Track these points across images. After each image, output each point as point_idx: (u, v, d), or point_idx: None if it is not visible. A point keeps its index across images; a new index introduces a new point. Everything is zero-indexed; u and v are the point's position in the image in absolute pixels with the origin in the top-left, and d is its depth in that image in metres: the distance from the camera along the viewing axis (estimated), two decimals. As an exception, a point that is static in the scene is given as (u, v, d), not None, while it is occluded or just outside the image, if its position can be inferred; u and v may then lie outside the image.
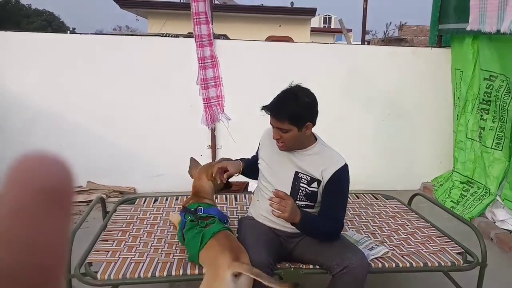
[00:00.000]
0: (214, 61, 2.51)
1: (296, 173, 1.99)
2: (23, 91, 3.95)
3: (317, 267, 1.98)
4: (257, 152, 2.25)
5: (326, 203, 1.97)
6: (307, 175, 1.98)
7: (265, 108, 1.95)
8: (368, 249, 2.14)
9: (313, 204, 2.00)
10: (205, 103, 2.58)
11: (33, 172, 0.26)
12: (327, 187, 1.95)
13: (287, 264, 2.00)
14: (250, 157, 2.33)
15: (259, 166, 2.15)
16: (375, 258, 2.09)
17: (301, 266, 2.00)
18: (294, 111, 1.87)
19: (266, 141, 2.14)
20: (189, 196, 2.33)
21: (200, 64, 2.48)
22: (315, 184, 1.97)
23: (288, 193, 1.91)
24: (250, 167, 2.22)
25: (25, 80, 3.93)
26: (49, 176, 0.26)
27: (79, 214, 3.63)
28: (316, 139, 2.06)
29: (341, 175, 1.95)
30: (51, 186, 0.26)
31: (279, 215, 1.77)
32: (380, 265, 2.05)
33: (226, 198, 2.92)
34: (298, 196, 1.98)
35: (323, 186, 1.96)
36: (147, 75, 4.08)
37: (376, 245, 2.21)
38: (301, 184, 1.97)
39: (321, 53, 4.32)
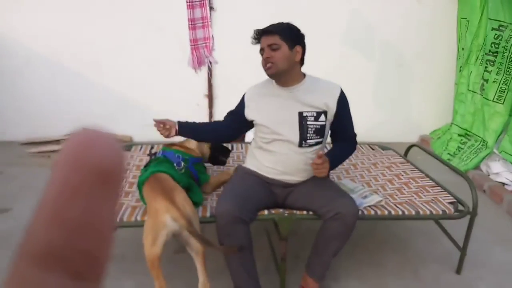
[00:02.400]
0: (203, 0, 2.40)
1: (300, 113, 1.98)
2: (15, 35, 3.84)
3: (310, 213, 2.01)
4: (233, 113, 2.16)
5: (340, 128, 2.07)
6: (312, 111, 1.98)
7: (256, 32, 1.97)
8: (362, 197, 2.17)
9: (322, 139, 2.03)
10: (192, 45, 2.49)
11: (86, 150, 0.24)
12: (337, 114, 2.01)
13: (281, 210, 2.03)
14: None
15: (256, 124, 2.08)
16: (368, 206, 2.12)
17: (295, 212, 2.02)
18: (284, 28, 1.93)
19: (254, 99, 2.09)
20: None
21: (188, 3, 2.38)
22: (322, 117, 1.99)
23: (298, 136, 1.98)
24: (192, 128, 2.10)
25: (16, 24, 3.81)
26: (102, 155, 0.25)
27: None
28: (304, 75, 2.06)
29: (343, 97, 2.02)
30: (104, 166, 0.24)
31: (320, 175, 1.88)
32: (372, 212, 2.09)
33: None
34: (308, 135, 1.99)
35: (332, 114, 2.00)
36: (141, 18, 3.95)
37: (370, 193, 2.24)
38: (308, 122, 1.98)
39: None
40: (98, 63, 4.01)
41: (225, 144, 2.48)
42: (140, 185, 1.93)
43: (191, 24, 2.46)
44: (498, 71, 3.65)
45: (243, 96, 2.15)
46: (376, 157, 2.88)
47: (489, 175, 3.60)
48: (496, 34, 3.63)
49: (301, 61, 2.00)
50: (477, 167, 3.74)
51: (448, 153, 4.03)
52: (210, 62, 2.63)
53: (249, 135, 4.13)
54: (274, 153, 2.03)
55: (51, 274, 0.23)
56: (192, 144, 2.25)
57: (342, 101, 2.01)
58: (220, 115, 4.25)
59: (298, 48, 1.95)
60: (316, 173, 1.88)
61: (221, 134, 2.15)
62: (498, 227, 2.92)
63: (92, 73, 4.04)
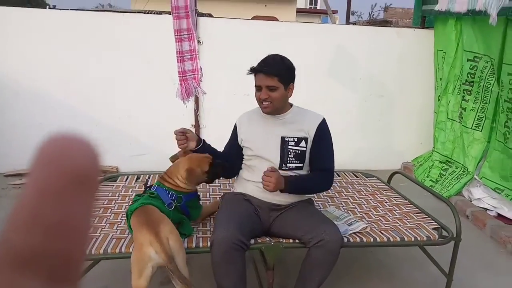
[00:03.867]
0: (191, 33, 2.47)
1: (282, 138, 2.09)
2: (3, 67, 3.86)
3: (296, 241, 2.02)
4: (230, 143, 2.27)
5: (316, 156, 2.12)
6: (293, 137, 2.09)
7: (253, 69, 2.03)
8: (347, 224, 2.19)
9: (302, 164, 2.11)
10: (180, 76, 2.55)
11: (62, 153, 0.25)
12: (314, 141, 2.10)
13: (267, 239, 2.03)
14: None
15: (243, 146, 2.19)
16: (354, 233, 2.14)
17: (281, 240, 2.03)
18: (282, 69, 2.01)
19: (244, 123, 2.22)
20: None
21: (176, 36, 2.44)
22: (303, 143, 2.09)
23: (278, 158, 2.07)
24: (210, 150, 2.23)
25: (5, 56, 3.83)
26: (78, 158, 0.25)
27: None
28: (291, 104, 2.18)
29: (324, 126, 2.12)
30: (79, 168, 0.25)
31: (267, 187, 1.92)
32: (358, 239, 2.10)
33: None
34: (288, 158, 2.08)
35: (311, 142, 2.09)
36: (129, 52, 4.02)
37: (355, 220, 2.26)
38: (290, 147, 2.08)
39: (306, 33, 4.30)
40: (86, 95, 4.04)
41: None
42: (128, 215, 1.93)
43: (180, 57, 2.52)
44: (475, 100, 3.78)
45: (235, 125, 2.27)
46: (360, 184, 2.92)
47: (471, 201, 3.66)
48: (471, 65, 3.79)
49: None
50: (459, 193, 3.81)
51: (431, 180, 4.10)
52: (199, 93, 2.68)
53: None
54: (255, 168, 2.11)
55: (28, 278, 0.23)
56: (181, 180, 2.13)
57: (322, 129, 2.11)
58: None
59: (291, 86, 2.07)
60: (264, 184, 1.93)
61: (232, 162, 2.24)
62: (482, 252, 2.96)
63: (80, 106, 4.04)
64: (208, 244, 1.97)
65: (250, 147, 2.15)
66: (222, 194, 2.39)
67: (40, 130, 4.03)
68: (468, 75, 3.83)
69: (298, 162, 2.10)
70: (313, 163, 2.13)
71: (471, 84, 3.83)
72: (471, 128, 3.83)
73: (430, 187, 3.78)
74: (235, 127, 2.27)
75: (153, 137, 4.24)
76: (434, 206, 2.81)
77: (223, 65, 4.19)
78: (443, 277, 2.35)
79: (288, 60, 2.08)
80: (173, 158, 2.29)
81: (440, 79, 4.22)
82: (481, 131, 3.74)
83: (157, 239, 1.67)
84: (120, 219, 2.22)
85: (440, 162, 4.19)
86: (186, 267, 1.78)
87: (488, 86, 3.60)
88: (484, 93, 3.66)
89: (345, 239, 2.07)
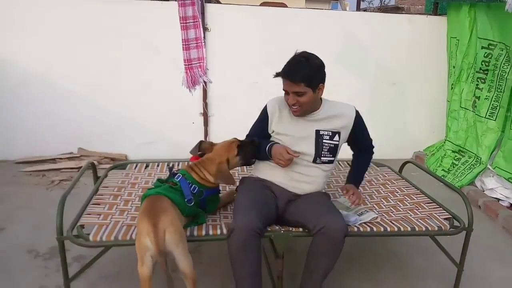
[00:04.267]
0: (196, 21, 2.43)
1: (317, 131, 2.11)
2: (9, 56, 3.86)
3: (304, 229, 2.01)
4: (258, 128, 2.22)
5: (360, 140, 2.29)
6: (328, 131, 2.12)
7: (278, 74, 1.99)
8: (357, 214, 2.17)
9: (333, 158, 2.18)
10: (186, 65, 2.51)
11: None
12: (354, 131, 2.20)
13: (277, 227, 2.02)
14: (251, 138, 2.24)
15: (275, 137, 2.17)
16: (364, 222, 2.12)
17: (290, 229, 2.02)
18: (307, 73, 1.95)
19: (276, 113, 2.16)
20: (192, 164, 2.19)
21: (182, 24, 2.40)
22: (336, 137, 2.14)
23: (313, 152, 2.11)
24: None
25: (10, 44, 3.83)
26: None
27: (70, 180, 3.64)
28: (321, 100, 2.16)
29: (358, 116, 2.21)
30: None
31: (359, 202, 2.10)
32: (368, 229, 2.08)
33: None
34: (323, 152, 2.13)
35: (348, 133, 2.19)
36: (138, 40, 3.99)
37: (366, 210, 2.24)
38: (324, 141, 2.12)
39: (315, 20, 4.23)
40: (95, 83, 4.03)
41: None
42: (143, 199, 1.93)
43: (185, 45, 2.48)
44: (489, 89, 3.71)
45: (265, 109, 2.21)
46: (371, 174, 2.89)
47: (483, 191, 3.62)
48: (486, 52, 3.71)
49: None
50: (471, 183, 3.77)
51: (443, 170, 4.05)
52: (205, 82, 2.64)
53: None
54: (288, 167, 2.09)
55: None
56: (210, 173, 2.10)
57: (358, 120, 2.20)
58: (215, 132, 4.28)
59: (321, 86, 2.03)
60: (355, 203, 2.07)
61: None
62: (494, 242, 2.93)
63: (89, 94, 4.05)
64: (218, 232, 1.98)
65: (286, 137, 2.13)
66: (240, 178, 2.37)
67: (48, 118, 4.05)
68: (483, 63, 3.76)
69: (331, 156, 2.15)
70: (357, 145, 2.33)
71: (485, 72, 3.75)
72: (484, 117, 3.76)
73: (442, 177, 3.75)
74: (265, 114, 2.19)
75: (161, 125, 4.23)
76: (446, 196, 2.77)
77: (232, 52, 4.15)
78: (454, 267, 2.33)
79: (315, 59, 2.01)
80: (194, 151, 2.25)
81: (453, 67, 4.14)
82: (495, 120, 3.67)
83: (154, 229, 1.67)
84: (130, 206, 2.23)
85: (453, 151, 4.14)
86: (188, 257, 1.76)
87: (503, 74, 3.53)
88: (498, 82, 3.59)
89: (355, 229, 2.06)
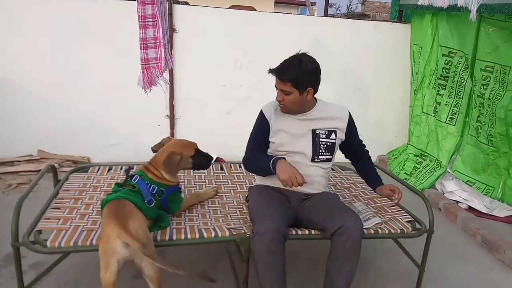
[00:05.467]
0: (156, 20, 2.38)
1: (313, 130, 2.16)
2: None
3: (312, 232, 2.05)
4: (259, 136, 2.22)
5: (353, 141, 2.36)
6: (324, 129, 2.17)
7: (271, 70, 2.06)
8: (363, 220, 2.14)
9: (331, 156, 2.23)
10: (143, 64, 2.45)
11: None
12: (347, 132, 2.26)
13: (242, 231, 2.00)
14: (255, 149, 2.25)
15: (273, 139, 2.19)
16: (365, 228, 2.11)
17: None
18: (296, 75, 2.00)
19: (273, 116, 2.19)
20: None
21: (140, 23, 2.35)
22: (333, 135, 2.19)
23: (311, 151, 2.15)
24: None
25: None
26: None
27: (28, 184, 3.49)
28: (316, 100, 2.21)
29: (351, 119, 2.29)
30: None
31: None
32: (307, 231, 2.09)
33: (221, 167, 2.94)
34: (320, 151, 2.17)
35: (343, 134, 2.24)
36: (103, 40, 3.89)
37: (372, 215, 2.22)
38: (321, 139, 2.17)
39: (283, 24, 4.26)
40: (58, 84, 3.89)
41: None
42: (103, 205, 1.88)
43: (143, 44, 2.42)
44: (449, 95, 3.84)
45: (262, 115, 2.21)
46: (336, 177, 2.92)
47: (444, 194, 3.74)
48: (446, 60, 3.85)
49: (314, 93, 2.13)
50: (432, 186, 3.89)
51: (405, 173, 4.16)
52: (162, 83, 2.59)
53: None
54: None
55: None
56: (161, 165, 2.07)
57: (351, 122, 2.27)
58: (181, 135, 4.22)
59: (310, 90, 2.07)
60: (288, 184, 1.96)
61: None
62: (454, 244, 3.02)
63: (51, 94, 3.89)
64: (183, 236, 1.94)
65: (284, 141, 2.16)
66: (249, 188, 2.38)
67: (7, 119, 3.88)
68: (443, 70, 3.89)
69: (328, 154, 2.20)
70: (353, 145, 2.38)
71: (445, 79, 3.89)
72: (445, 122, 3.89)
73: (405, 180, 3.84)
74: (263, 119, 2.19)
75: (126, 128, 4.14)
76: (408, 198, 2.83)
77: (200, 54, 4.11)
78: (416, 268, 2.38)
79: (309, 62, 2.04)
80: (156, 147, 2.22)
81: (416, 73, 4.27)
82: (454, 125, 3.81)
83: (125, 231, 1.63)
84: (91, 210, 2.15)
85: (415, 155, 4.26)
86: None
87: (462, 81, 3.67)
88: (458, 88, 3.73)
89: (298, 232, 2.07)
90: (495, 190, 3.28)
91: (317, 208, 2.09)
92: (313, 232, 2.06)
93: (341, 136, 2.24)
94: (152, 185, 2.00)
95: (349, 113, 2.28)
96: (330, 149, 2.20)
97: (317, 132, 2.16)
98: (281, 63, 2.06)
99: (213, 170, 2.85)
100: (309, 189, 2.18)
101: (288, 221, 1.99)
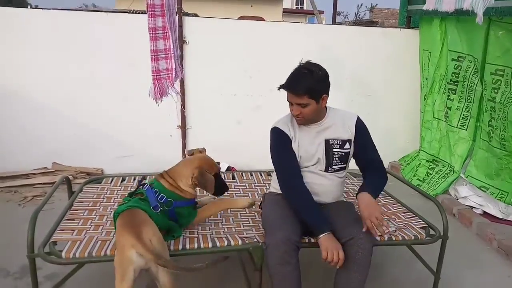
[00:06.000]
0: (166, 32, 2.43)
1: (326, 141, 2.11)
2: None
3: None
4: (287, 154, 2.10)
5: (363, 150, 2.16)
6: (337, 140, 2.12)
7: (282, 86, 2.00)
8: None
9: (345, 165, 2.17)
10: (154, 75, 2.49)
11: None
12: (356, 138, 2.14)
13: (254, 239, 2.01)
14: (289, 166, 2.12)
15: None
16: None
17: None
18: (311, 85, 1.95)
19: (289, 130, 2.12)
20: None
21: (151, 35, 2.39)
22: (347, 145, 2.13)
23: (324, 162, 2.10)
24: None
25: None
26: None
27: (44, 196, 3.54)
28: (326, 108, 2.15)
29: (360, 122, 2.18)
30: None
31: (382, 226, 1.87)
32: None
33: (233, 176, 2.97)
34: (334, 161, 2.12)
35: (353, 140, 2.13)
36: (114, 53, 3.96)
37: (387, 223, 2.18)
38: (334, 150, 2.11)
39: (292, 33, 4.29)
40: (70, 97, 3.96)
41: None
42: (115, 216, 1.89)
43: (154, 55, 2.47)
44: (460, 99, 3.82)
45: (280, 132, 2.11)
46: (348, 184, 2.91)
47: (457, 199, 3.70)
48: (456, 64, 3.83)
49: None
50: (445, 191, 3.84)
51: (418, 179, 4.13)
52: (173, 93, 2.62)
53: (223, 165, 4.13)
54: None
55: None
56: (185, 182, 2.05)
57: (360, 126, 2.16)
58: (193, 145, 4.25)
59: (325, 96, 2.03)
60: (383, 231, 1.89)
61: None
62: (469, 250, 2.98)
63: (64, 109, 3.97)
64: (196, 245, 1.95)
65: (302, 155, 2.10)
66: (263, 195, 2.36)
67: (22, 132, 3.95)
68: (453, 74, 3.87)
69: (342, 163, 2.15)
70: (363, 156, 2.17)
71: (455, 83, 3.87)
72: (456, 127, 3.86)
73: (417, 186, 3.81)
74: (284, 136, 2.10)
75: (138, 139, 4.19)
76: (422, 205, 2.82)
77: (209, 64, 4.16)
78: (431, 275, 2.36)
79: (319, 70, 2.01)
80: (188, 153, 2.24)
81: (426, 78, 4.25)
82: (466, 130, 3.77)
83: (139, 241, 1.64)
84: (105, 221, 2.18)
85: (427, 161, 4.22)
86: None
87: (472, 85, 3.64)
88: (468, 92, 3.70)
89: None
90: (509, 195, 3.23)
91: (330, 217, 2.05)
92: None
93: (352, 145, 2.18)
94: (161, 194, 1.99)
95: (358, 118, 2.19)
96: (344, 158, 2.14)
97: (330, 142, 2.11)
98: (290, 77, 2.01)
99: (224, 179, 2.86)
100: (324, 199, 2.15)
101: (300, 230, 1.97)
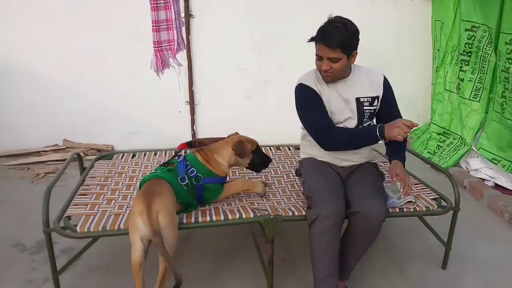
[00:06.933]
0: (168, 2, 2.37)
1: (357, 99, 2.07)
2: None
3: (296, 214, 2.04)
4: (317, 107, 2.05)
5: (390, 109, 2.15)
6: (367, 97, 2.08)
7: (313, 39, 1.96)
8: (396, 197, 2.11)
9: (371, 123, 2.18)
10: (155, 47, 2.45)
11: None
12: (385, 96, 2.12)
13: (266, 212, 2.02)
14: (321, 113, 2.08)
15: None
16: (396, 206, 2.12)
17: (280, 213, 2.02)
18: (345, 38, 1.89)
19: (315, 85, 2.06)
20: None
21: (152, 5, 2.34)
22: (376, 102, 2.11)
23: (356, 120, 2.08)
24: None
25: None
26: None
27: (56, 172, 3.58)
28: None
29: (386, 80, 2.16)
30: None
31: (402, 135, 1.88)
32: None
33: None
34: (364, 119, 2.11)
35: (381, 97, 2.12)
36: (122, 29, 3.91)
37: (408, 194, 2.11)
38: (365, 108, 2.09)
39: (300, 4, 4.18)
40: (79, 75, 3.95)
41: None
42: (141, 185, 1.93)
43: (155, 26, 2.41)
44: (472, 70, 3.74)
45: (308, 89, 2.05)
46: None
47: (469, 172, 3.67)
48: (469, 34, 3.73)
49: None
50: (456, 164, 3.82)
51: (428, 152, 4.09)
52: (175, 65, 2.58)
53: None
54: None
55: None
56: (224, 156, 2.10)
57: (387, 85, 2.14)
58: (202, 120, 4.25)
59: (355, 53, 1.98)
60: (407, 192, 1.94)
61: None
62: (480, 222, 2.98)
63: (73, 85, 3.96)
64: (208, 218, 1.96)
65: (332, 112, 2.06)
66: (300, 161, 2.35)
67: (31, 110, 3.97)
68: (466, 45, 3.78)
69: (370, 121, 2.15)
70: (388, 114, 2.12)
71: (468, 54, 3.78)
72: (468, 99, 3.79)
73: (428, 159, 3.78)
74: (311, 90, 2.04)
75: (147, 115, 4.18)
76: (433, 177, 2.81)
77: (217, 39, 4.10)
78: (442, 247, 2.37)
79: (351, 24, 1.95)
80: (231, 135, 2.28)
81: (438, 50, 4.16)
82: (478, 101, 3.71)
83: (147, 210, 1.66)
84: (118, 195, 2.20)
85: (438, 134, 4.18)
86: (174, 243, 1.73)
87: (486, 56, 3.55)
88: (481, 63, 3.62)
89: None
90: (521, 167, 3.20)
91: (352, 186, 2.05)
92: None
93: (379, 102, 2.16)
94: (192, 168, 2.01)
95: (385, 77, 2.15)
96: (372, 116, 2.14)
97: (361, 100, 2.07)
98: (323, 29, 1.93)
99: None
100: (356, 159, 2.16)
101: (345, 200, 1.95)
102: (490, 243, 2.70)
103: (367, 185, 2.04)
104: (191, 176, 1.99)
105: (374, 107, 2.11)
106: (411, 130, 1.90)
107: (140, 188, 1.93)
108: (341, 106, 2.07)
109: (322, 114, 2.04)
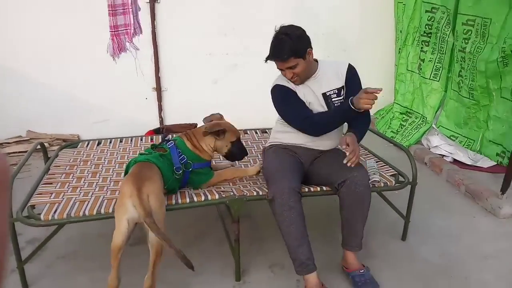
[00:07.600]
0: None
1: (323, 94, 2.20)
2: None
3: (324, 188, 2.17)
4: (297, 102, 2.18)
5: (355, 94, 2.12)
6: (333, 89, 2.20)
7: (268, 58, 2.08)
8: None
9: None
10: (112, 31, 2.45)
11: None
12: (347, 82, 2.22)
13: (231, 193, 2.07)
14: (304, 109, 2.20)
15: None
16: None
17: (245, 194, 2.07)
18: (292, 47, 2.01)
19: (288, 86, 2.18)
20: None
21: None
22: (342, 91, 2.23)
23: None
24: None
25: None
26: None
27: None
28: (317, 61, 2.24)
29: (351, 68, 2.26)
30: None
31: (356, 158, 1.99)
32: (318, 188, 2.17)
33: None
34: None
35: (344, 85, 2.22)
36: (86, 14, 3.81)
37: (373, 172, 2.29)
38: (333, 100, 2.21)
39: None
40: (41, 62, 3.85)
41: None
42: (130, 164, 1.94)
43: (111, 11, 2.41)
44: (432, 51, 3.86)
45: (284, 88, 2.17)
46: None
47: (429, 149, 3.82)
48: (429, 16, 3.84)
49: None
50: (418, 141, 3.96)
51: (392, 131, 4.23)
52: (132, 49, 2.57)
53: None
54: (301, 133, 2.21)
55: None
56: (208, 144, 2.16)
57: (350, 72, 2.24)
58: (169, 107, 4.24)
59: (309, 50, 2.09)
60: (353, 160, 1.98)
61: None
62: (439, 195, 3.12)
63: (35, 74, 3.86)
64: (173, 201, 2.00)
65: (305, 100, 2.19)
66: (263, 149, 2.43)
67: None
68: (426, 26, 3.89)
69: None
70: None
71: (429, 35, 3.90)
72: (429, 79, 3.93)
73: (391, 138, 3.91)
74: (288, 89, 2.17)
75: (114, 103, 4.13)
76: (395, 155, 2.91)
77: (183, 23, 4.06)
78: (402, 220, 2.48)
79: (294, 31, 2.06)
80: (206, 120, 2.26)
81: (400, 31, 4.26)
82: (438, 81, 3.84)
83: (138, 193, 1.68)
84: (83, 183, 2.20)
85: (401, 113, 4.31)
86: (164, 229, 1.75)
87: (444, 37, 3.68)
88: (440, 44, 3.74)
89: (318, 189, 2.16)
90: (475, 142, 3.36)
91: (325, 163, 2.20)
92: (324, 188, 2.16)
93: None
94: (182, 155, 2.05)
95: (349, 65, 2.26)
96: None
97: (328, 94, 2.20)
98: (272, 47, 2.06)
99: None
100: (324, 147, 2.27)
101: (300, 179, 2.09)
102: (447, 215, 2.84)
103: (341, 159, 2.12)
104: (182, 163, 2.03)
105: (341, 97, 2.23)
106: (377, 94, 1.99)
107: (128, 168, 1.94)
108: (314, 101, 2.20)
109: (302, 107, 2.17)
